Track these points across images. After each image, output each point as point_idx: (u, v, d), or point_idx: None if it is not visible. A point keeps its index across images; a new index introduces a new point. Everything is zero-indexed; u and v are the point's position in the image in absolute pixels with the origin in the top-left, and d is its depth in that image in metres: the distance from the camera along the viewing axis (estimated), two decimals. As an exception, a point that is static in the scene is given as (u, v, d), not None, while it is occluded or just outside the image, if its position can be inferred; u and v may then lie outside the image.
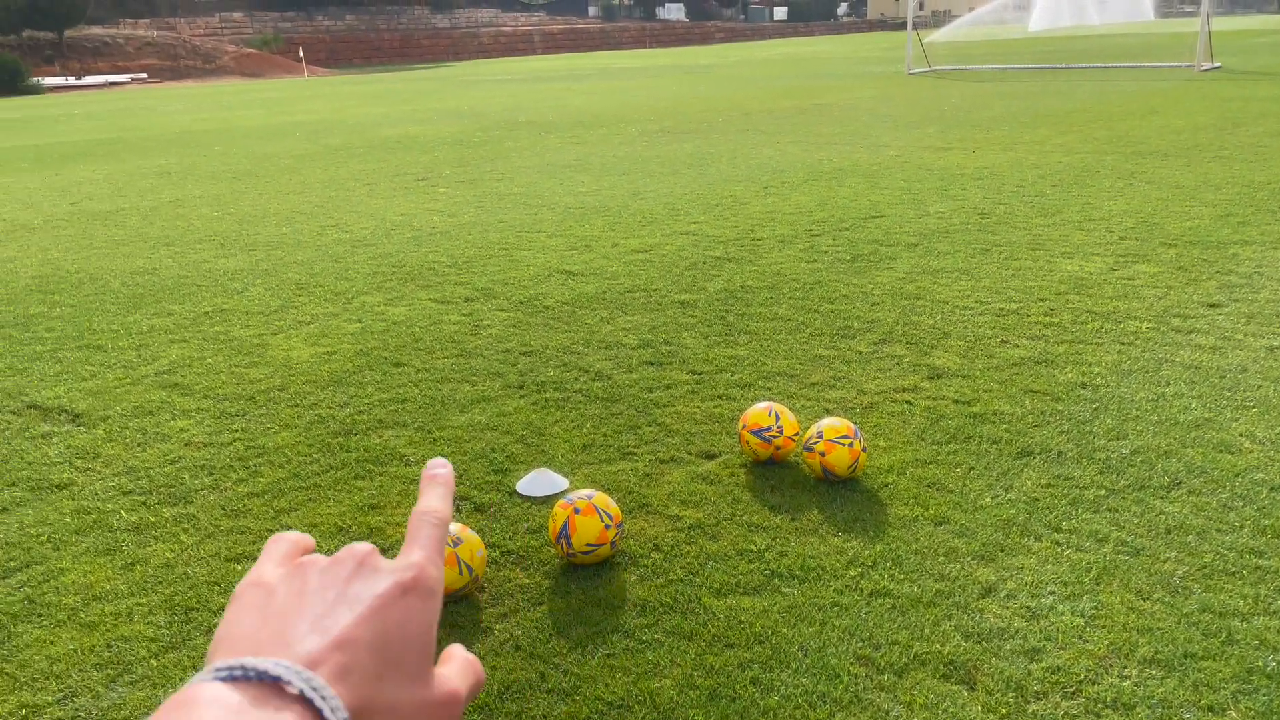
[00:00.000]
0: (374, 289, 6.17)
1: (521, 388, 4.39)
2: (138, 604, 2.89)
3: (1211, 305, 5.03)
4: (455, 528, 2.85)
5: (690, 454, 3.67)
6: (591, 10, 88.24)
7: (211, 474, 3.71)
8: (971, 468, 3.43)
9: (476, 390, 4.39)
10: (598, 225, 7.76)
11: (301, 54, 49.78)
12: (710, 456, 3.65)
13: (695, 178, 9.86)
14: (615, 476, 3.53)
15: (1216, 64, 22.10)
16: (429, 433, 3.97)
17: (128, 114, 24.98)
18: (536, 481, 3.47)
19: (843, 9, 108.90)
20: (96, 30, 50.41)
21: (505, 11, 79.63)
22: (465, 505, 3.38)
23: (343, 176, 11.17)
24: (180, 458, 3.86)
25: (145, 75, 46.93)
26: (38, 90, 42.04)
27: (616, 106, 19.29)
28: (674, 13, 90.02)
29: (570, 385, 4.39)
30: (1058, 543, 2.95)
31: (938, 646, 2.50)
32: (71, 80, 44.50)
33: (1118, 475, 3.33)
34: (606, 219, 7.99)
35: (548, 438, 3.87)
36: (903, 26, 27.84)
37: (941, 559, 2.89)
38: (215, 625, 2.71)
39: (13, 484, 3.70)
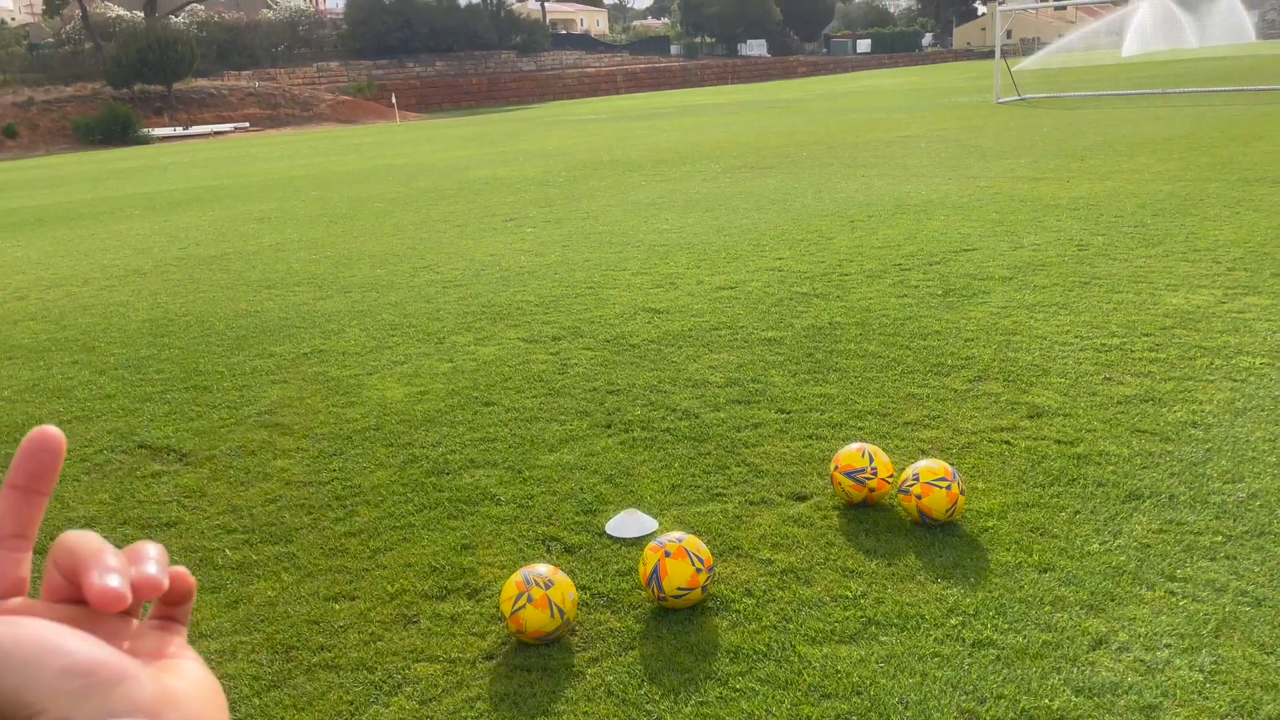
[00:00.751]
0: (464, 329, 6.29)
1: (609, 427, 4.41)
2: (241, 642, 2.96)
3: (1332, 339, 4.78)
4: (546, 569, 2.86)
5: (781, 495, 3.62)
6: (674, 49, 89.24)
7: (310, 513, 3.80)
8: (1077, 511, 3.30)
9: (565, 429, 4.42)
10: (682, 262, 7.78)
11: (394, 99, 51.46)
12: (801, 498, 3.59)
13: (779, 213, 9.82)
14: (704, 518, 3.49)
15: (1326, 84, 21.15)
16: (519, 472, 4.00)
17: (231, 162, 26.14)
18: (626, 523, 3.46)
19: (927, 40, 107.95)
20: (202, 82, 53.00)
21: (589, 52, 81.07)
22: (555, 546, 3.39)
23: (433, 218, 11.46)
24: (280, 496, 3.97)
25: (248, 124, 49.08)
26: (148, 140, 44.32)
27: (699, 143, 19.41)
28: (755, 49, 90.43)
29: (658, 424, 4.38)
30: (1172, 592, 2.80)
31: (1046, 701, 2.39)
32: (179, 130, 46.81)
33: (1235, 520, 3.16)
34: (691, 256, 8.00)
35: (636, 478, 3.86)
36: (990, 56, 27.47)
37: (1048, 608, 2.78)
38: (315, 664, 2.74)
39: (124, 522, 3.85)
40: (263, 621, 3.06)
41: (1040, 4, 40.53)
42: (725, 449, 4.07)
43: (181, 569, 0.42)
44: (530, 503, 3.73)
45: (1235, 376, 4.40)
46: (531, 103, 60.66)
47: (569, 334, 5.97)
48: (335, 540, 3.56)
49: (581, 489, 3.80)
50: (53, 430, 0.40)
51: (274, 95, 53.34)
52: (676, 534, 3.01)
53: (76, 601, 0.39)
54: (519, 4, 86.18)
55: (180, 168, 25.25)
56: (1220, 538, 3.07)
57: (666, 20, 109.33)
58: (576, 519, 3.57)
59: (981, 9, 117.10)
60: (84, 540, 0.39)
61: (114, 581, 0.37)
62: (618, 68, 75.67)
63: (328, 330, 6.54)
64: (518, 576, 2.84)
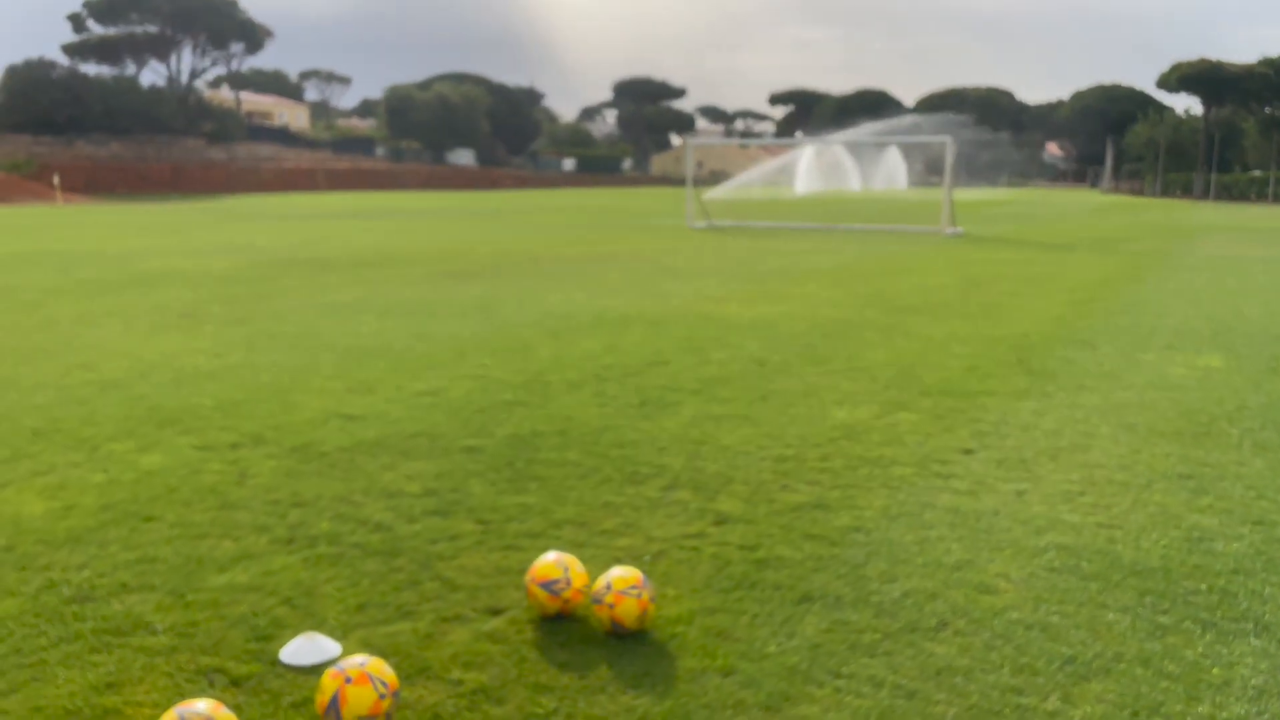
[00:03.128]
0: (125, 435, 5.64)
1: (291, 542, 4.08)
2: None
3: (966, 451, 5.45)
4: (206, 706, 2.54)
5: (475, 610, 3.49)
6: (379, 151, 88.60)
7: (-96, 655, 3.15)
8: (756, 615, 3.46)
9: (239, 546, 4.03)
10: (380, 367, 7.54)
11: (56, 180, 46.58)
12: (497, 612, 3.48)
13: (483, 321, 9.85)
14: (393, 638, 3.29)
15: (960, 229, 24.88)
16: (181, 596, 3.57)
17: None
18: (304, 648, 3.18)
19: (627, 164, 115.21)
20: None
21: (288, 147, 78.54)
22: (220, 679, 3.03)
23: (95, 312, 10.36)
24: None
25: None
26: None
27: (403, 247, 19.21)
28: (464, 158, 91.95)
29: (346, 539, 4.12)
30: (839, 689, 2.98)
31: (730, 810, 2.42)
32: None
33: (891, 618, 3.44)
34: (390, 361, 7.78)
35: (318, 598, 3.58)
36: (684, 183, 29.82)
37: (729, 712, 2.85)
38: None
39: None
40: None
41: (725, 141, 44.86)
42: (419, 563, 3.89)
43: None
44: (193, 630, 3.33)
45: (890, 485, 4.87)
46: (222, 194, 57.46)
47: (249, 441, 5.53)
48: (-64, 688, 2.97)
49: (255, 613, 3.46)
50: None
51: (-95, 164, 46.83)
52: (360, 658, 2.80)
53: None
54: (211, 91, 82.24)
55: None
56: (879, 635, 3.32)
57: (373, 122, 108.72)
58: (247, 647, 3.23)
59: (676, 141, 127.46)
60: None
61: None
62: (319, 165, 73.83)
63: (-48, 434, 5.62)
64: (171, 716, 2.51)
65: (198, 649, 3.21)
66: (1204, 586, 3.72)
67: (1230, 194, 76.64)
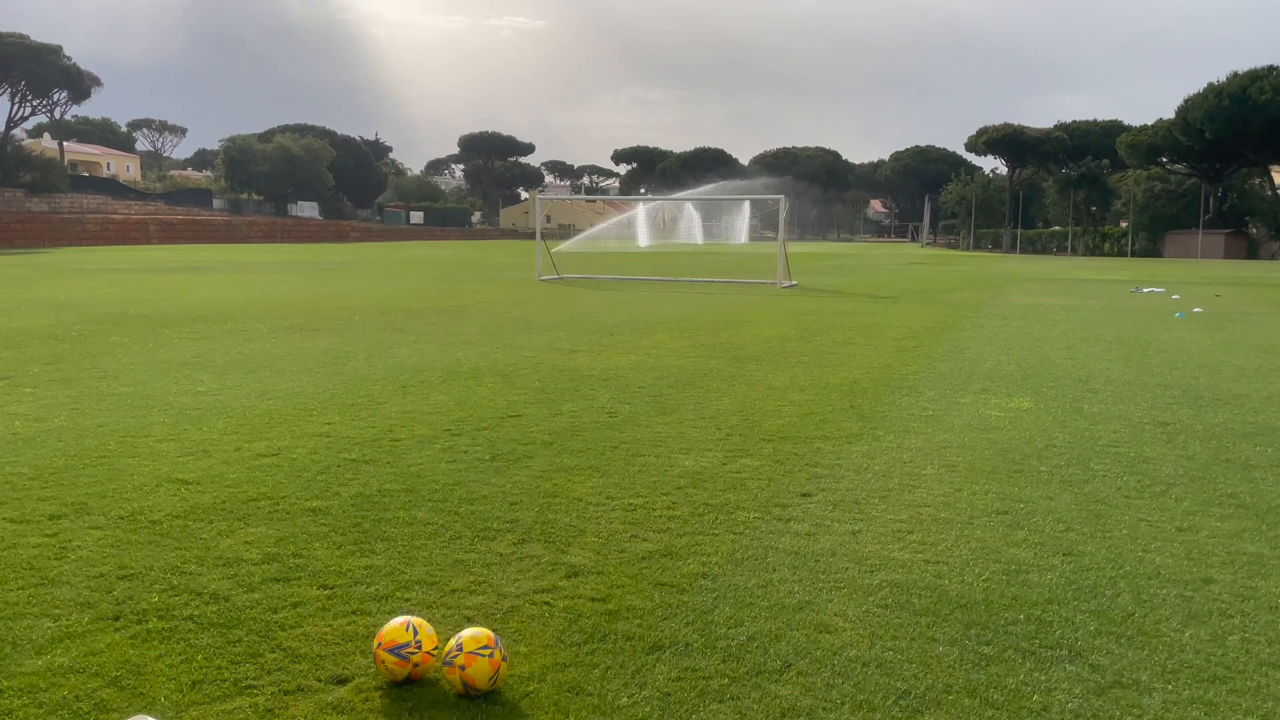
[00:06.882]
0: (-72, 509, 5.20)
1: (118, 619, 3.85)
2: None
3: (804, 495, 5.68)
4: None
5: (320, 680, 3.39)
6: (217, 203, 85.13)
7: None
8: (609, 667, 3.49)
9: (59, 626, 3.78)
10: (218, 428, 7.22)
11: None
12: (342, 681, 3.39)
13: (329, 376, 9.59)
14: (230, 716, 3.15)
15: (794, 282, 25.96)
16: (-8, 684, 3.32)
17: None
18: (133, 731, 3.01)
19: (476, 217, 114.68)
20: None
21: (116, 198, 74.56)
22: (37, 772, 2.83)
23: (-104, 374, 9.51)
24: None
25: None
26: None
27: (244, 301, 18.50)
28: (307, 210, 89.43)
29: (179, 612, 3.92)
30: (690, 736, 3.04)
31: None
32: None
33: (738, 662, 3.55)
34: (229, 421, 7.47)
35: (148, 677, 3.39)
36: (532, 236, 30.01)
37: (583, 768, 2.87)
38: None
39: None
40: None
41: (573, 196, 45.58)
42: (259, 634, 3.74)
43: None
44: (6, 720, 3.10)
45: (735, 530, 5.03)
46: (43, 247, 53.92)
47: (72, 511, 5.19)
48: None
49: (77, 697, 3.25)
50: None
51: None
52: (194, 738, 2.68)
53: None
54: (30, 140, 77.52)
55: None
56: (727, 680, 3.42)
57: (209, 173, 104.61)
58: (68, 734, 3.03)
59: (524, 194, 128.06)
60: None
61: None
62: (151, 217, 70.38)
63: None
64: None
65: (11, 740, 2.99)
66: (1022, 617, 4.00)
67: (1034, 247, 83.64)
